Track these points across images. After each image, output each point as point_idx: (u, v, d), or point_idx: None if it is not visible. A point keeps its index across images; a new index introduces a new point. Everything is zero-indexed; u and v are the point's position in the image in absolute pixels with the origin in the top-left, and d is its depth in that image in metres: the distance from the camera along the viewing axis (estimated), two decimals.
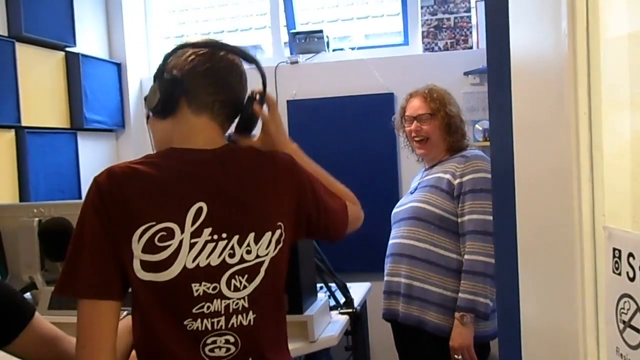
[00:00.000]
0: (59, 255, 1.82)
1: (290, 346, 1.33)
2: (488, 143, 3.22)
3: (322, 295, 2.35)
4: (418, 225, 2.10)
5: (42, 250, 2.11)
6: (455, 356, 2.01)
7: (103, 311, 1.09)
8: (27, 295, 2.23)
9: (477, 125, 3.35)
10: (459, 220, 2.05)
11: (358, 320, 2.20)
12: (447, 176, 2.09)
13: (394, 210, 2.28)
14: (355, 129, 3.48)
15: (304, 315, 1.92)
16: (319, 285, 2.30)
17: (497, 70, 1.26)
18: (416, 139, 2.22)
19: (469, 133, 3.31)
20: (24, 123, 2.81)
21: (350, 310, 2.18)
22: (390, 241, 2.22)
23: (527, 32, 1.08)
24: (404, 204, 2.22)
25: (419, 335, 2.09)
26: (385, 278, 2.22)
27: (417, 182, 2.26)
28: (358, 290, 2.48)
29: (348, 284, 2.30)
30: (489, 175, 1.98)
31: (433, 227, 2.07)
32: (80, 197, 3.19)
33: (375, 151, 3.47)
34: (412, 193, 2.23)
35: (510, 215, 1.18)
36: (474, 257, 1.99)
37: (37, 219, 2.13)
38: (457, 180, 2.07)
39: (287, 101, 3.56)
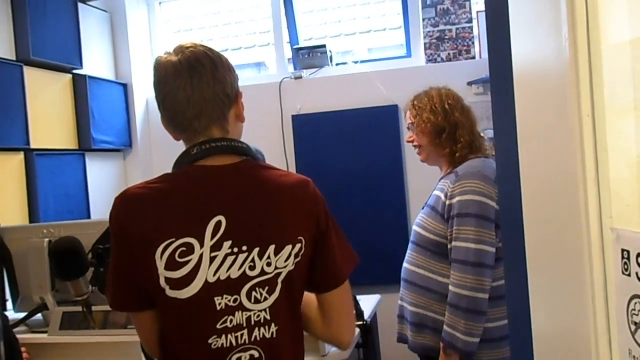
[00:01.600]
0: (69, 275, 1.83)
1: None
2: (492, 152, 3.22)
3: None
4: (417, 251, 2.01)
5: (53, 270, 2.12)
6: None
7: (142, 319, 1.19)
8: (38, 316, 2.24)
9: (481, 135, 3.35)
10: (448, 245, 1.93)
11: (369, 332, 2.19)
12: (442, 196, 1.96)
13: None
14: (361, 141, 3.49)
15: None
16: None
17: (500, 79, 1.27)
18: (414, 147, 2.15)
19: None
20: (32, 145, 2.84)
21: (361, 322, 2.17)
22: (404, 264, 2.12)
23: (527, 40, 1.09)
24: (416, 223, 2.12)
25: None
26: (399, 302, 2.13)
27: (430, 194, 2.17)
28: (368, 302, 2.48)
29: (358, 296, 2.29)
30: (479, 198, 1.89)
31: (429, 253, 1.97)
32: (88, 217, 3.21)
33: (381, 163, 3.48)
34: (422, 207, 2.12)
35: (517, 222, 1.18)
36: (453, 289, 1.87)
37: (46, 239, 2.14)
38: (447, 202, 1.92)
39: (292, 116, 3.58)
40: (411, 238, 2.10)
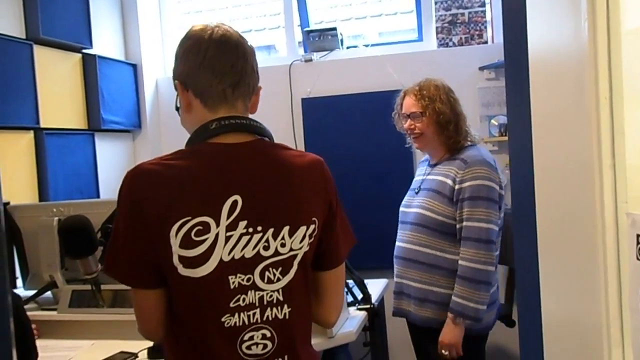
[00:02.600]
0: (78, 253, 1.84)
1: None
2: (504, 138, 3.21)
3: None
4: (422, 232, 2.16)
5: (62, 249, 2.13)
6: (443, 351, 2.09)
7: (145, 297, 1.16)
8: (48, 294, 2.26)
9: (492, 121, 3.33)
10: (457, 225, 2.11)
11: (376, 316, 2.20)
12: (449, 181, 2.13)
13: (401, 209, 2.32)
14: (370, 126, 3.48)
15: None
16: None
17: (515, 62, 1.25)
18: (411, 135, 2.26)
19: (485, 128, 3.32)
20: (42, 125, 2.84)
21: (368, 306, 2.18)
22: (397, 243, 2.27)
23: (545, 24, 1.07)
24: (410, 206, 2.25)
25: (431, 335, 2.14)
26: (395, 279, 2.26)
27: (420, 179, 2.29)
28: (375, 286, 2.48)
29: (365, 281, 2.29)
30: (488, 183, 2.11)
31: (436, 232, 2.14)
32: (98, 197, 3.22)
33: (390, 148, 3.45)
34: (416, 192, 2.24)
35: (529, 207, 1.17)
36: (466, 264, 2.06)
37: (56, 218, 2.15)
38: (457, 186, 2.10)
39: (302, 99, 3.56)
40: (411, 220, 2.21)
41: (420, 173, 2.34)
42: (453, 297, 2.06)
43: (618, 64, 0.77)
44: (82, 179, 3.16)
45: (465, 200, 2.07)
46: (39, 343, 1.60)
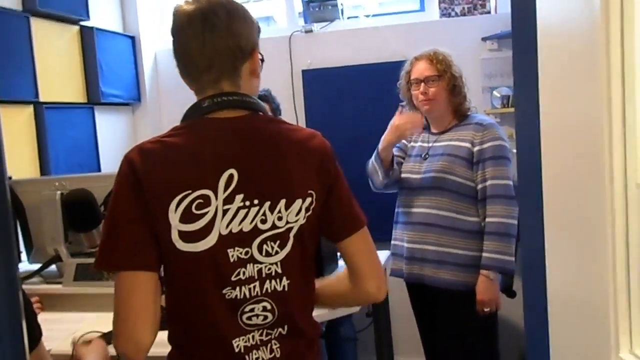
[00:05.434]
0: (82, 227, 1.84)
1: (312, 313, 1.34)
2: (506, 110, 3.18)
3: (341, 262, 2.35)
4: (441, 195, 2.20)
5: (66, 222, 2.14)
6: (485, 309, 2.15)
7: (143, 282, 1.10)
8: (52, 267, 2.27)
9: (495, 92, 3.30)
10: (479, 186, 2.17)
11: None
12: (466, 144, 2.19)
13: (406, 176, 2.32)
14: (372, 97, 3.45)
15: (324, 278, 1.93)
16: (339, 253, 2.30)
17: (522, 32, 1.23)
18: (423, 100, 2.28)
19: (487, 100, 3.29)
20: (41, 99, 2.81)
21: None
22: (409, 209, 2.25)
23: None
24: (420, 172, 2.26)
25: (448, 296, 2.19)
26: (406, 245, 2.25)
27: (427, 146, 2.30)
28: (379, 257, 2.49)
29: None
30: (506, 143, 2.19)
31: (455, 195, 2.19)
32: (99, 170, 3.21)
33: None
34: (424, 158, 2.24)
35: (535, 177, 1.16)
36: (498, 220, 2.10)
37: (59, 192, 2.15)
38: (477, 148, 2.17)
39: (302, 71, 3.53)
40: (426, 184, 2.23)
41: (420, 140, 2.35)
42: (486, 254, 2.10)
43: (631, 33, 0.76)
44: (83, 152, 3.15)
45: (488, 160, 2.15)
46: (43, 316, 1.61)
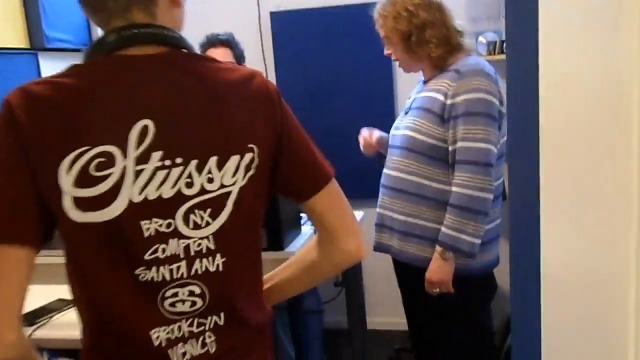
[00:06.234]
0: None
1: None
2: (494, 57, 2.94)
3: (306, 229, 2.16)
4: (409, 157, 1.90)
5: None
6: (433, 290, 1.87)
7: (12, 259, 0.87)
8: None
9: (480, 38, 3.04)
10: (450, 148, 1.83)
11: None
12: (439, 96, 1.84)
13: (391, 132, 2.07)
14: (347, 43, 3.18)
15: (285, 252, 1.74)
16: (303, 216, 2.10)
17: None
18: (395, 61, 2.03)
19: (471, 47, 3.04)
20: None
21: None
22: (384, 170, 2.01)
23: None
24: (399, 128, 2.00)
25: (416, 272, 1.92)
26: (378, 210, 2.03)
27: (412, 98, 2.04)
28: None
29: None
30: (486, 96, 1.77)
31: (424, 157, 1.87)
32: None
33: (370, 67, 3.18)
34: (405, 113, 2.00)
35: (531, 132, 0.97)
36: (460, 190, 1.78)
37: None
38: (449, 101, 1.81)
39: (271, 13, 3.24)
40: (397, 143, 1.96)
41: (414, 92, 2.08)
42: (443, 229, 1.81)
43: None
44: None
45: (460, 117, 1.78)
46: None
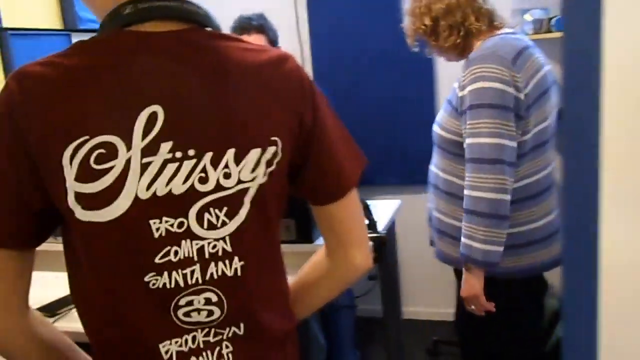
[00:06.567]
0: None
1: None
2: (541, 36, 2.76)
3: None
4: (439, 154, 1.79)
5: None
6: (470, 307, 1.72)
7: (16, 262, 0.83)
8: None
9: (526, 16, 2.87)
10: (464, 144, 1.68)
11: (384, 245, 1.92)
12: (457, 88, 1.70)
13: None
14: (389, 19, 3.04)
15: (315, 245, 1.66)
16: None
17: None
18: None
19: (517, 25, 2.87)
20: (4, 24, 2.49)
21: (374, 234, 1.89)
22: (430, 166, 1.90)
23: None
24: (435, 122, 1.87)
25: (455, 273, 1.81)
26: (428, 204, 1.91)
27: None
28: (385, 209, 2.19)
29: (372, 202, 2.00)
30: (491, 83, 1.57)
31: (449, 154, 1.73)
32: None
33: (408, 51, 3.04)
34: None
35: (590, 118, 0.85)
36: (466, 192, 1.63)
37: None
38: (461, 93, 1.66)
39: None
40: (434, 140, 1.84)
41: None
42: (462, 237, 1.64)
43: None
44: None
45: (466, 111, 1.62)
46: None
